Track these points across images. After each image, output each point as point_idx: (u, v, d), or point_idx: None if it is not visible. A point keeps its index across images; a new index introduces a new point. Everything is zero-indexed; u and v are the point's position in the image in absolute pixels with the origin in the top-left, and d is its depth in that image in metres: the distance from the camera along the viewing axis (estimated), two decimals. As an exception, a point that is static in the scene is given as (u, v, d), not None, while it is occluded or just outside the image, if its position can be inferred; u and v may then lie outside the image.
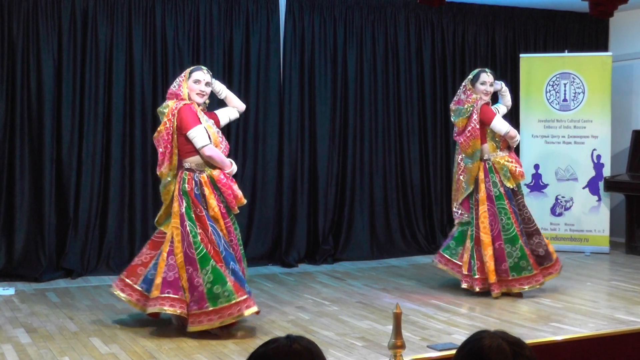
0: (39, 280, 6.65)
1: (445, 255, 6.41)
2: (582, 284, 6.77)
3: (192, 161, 5.10)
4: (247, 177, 7.66)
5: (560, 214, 8.52)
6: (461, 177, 6.33)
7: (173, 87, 5.24)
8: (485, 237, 6.08)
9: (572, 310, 5.69)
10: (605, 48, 9.38)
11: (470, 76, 6.32)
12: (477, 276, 6.11)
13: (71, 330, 5.12)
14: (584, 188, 8.47)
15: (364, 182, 8.20)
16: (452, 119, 6.35)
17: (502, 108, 6.56)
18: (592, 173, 8.45)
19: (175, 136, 5.06)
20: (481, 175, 6.19)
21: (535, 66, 8.62)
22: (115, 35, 7.16)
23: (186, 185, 5.04)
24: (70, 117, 7.01)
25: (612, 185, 8.33)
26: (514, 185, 6.19)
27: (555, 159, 8.54)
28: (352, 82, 8.14)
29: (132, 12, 7.21)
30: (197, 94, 5.16)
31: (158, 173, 5.22)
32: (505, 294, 6.11)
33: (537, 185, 8.59)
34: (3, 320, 5.36)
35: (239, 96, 7.60)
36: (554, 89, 8.58)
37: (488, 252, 6.05)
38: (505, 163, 6.17)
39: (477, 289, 6.10)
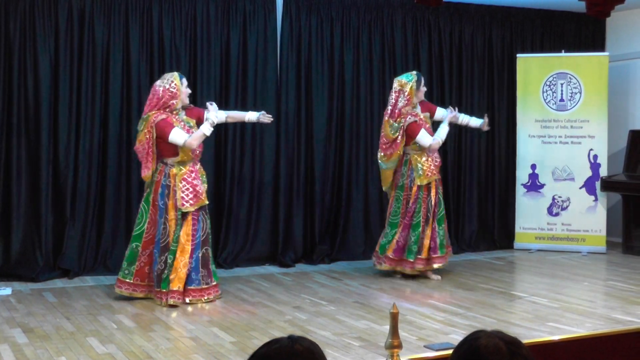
0: (35, 280, 6.65)
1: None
2: (579, 284, 6.78)
3: (171, 159, 5.93)
4: (244, 178, 7.66)
5: (557, 214, 8.53)
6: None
7: (166, 93, 5.96)
8: (390, 218, 6.98)
9: (569, 310, 5.70)
10: (602, 48, 9.39)
11: (414, 80, 6.79)
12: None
13: (68, 330, 5.11)
14: (580, 188, 8.47)
15: (360, 181, 8.20)
16: (390, 132, 6.75)
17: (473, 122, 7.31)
18: (589, 173, 8.46)
19: (155, 144, 5.90)
20: (398, 166, 6.92)
21: (532, 66, 8.63)
22: (112, 35, 7.15)
23: (157, 175, 5.94)
24: (67, 117, 7.01)
25: (608, 185, 8.33)
26: (425, 182, 6.76)
27: (552, 159, 8.55)
28: (349, 82, 8.13)
29: (129, 12, 7.20)
30: (187, 96, 6.15)
31: (143, 177, 6.05)
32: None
33: (534, 185, 8.60)
34: (0, 320, 5.36)
35: (236, 96, 7.65)
36: (551, 89, 8.59)
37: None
38: (421, 162, 6.76)
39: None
